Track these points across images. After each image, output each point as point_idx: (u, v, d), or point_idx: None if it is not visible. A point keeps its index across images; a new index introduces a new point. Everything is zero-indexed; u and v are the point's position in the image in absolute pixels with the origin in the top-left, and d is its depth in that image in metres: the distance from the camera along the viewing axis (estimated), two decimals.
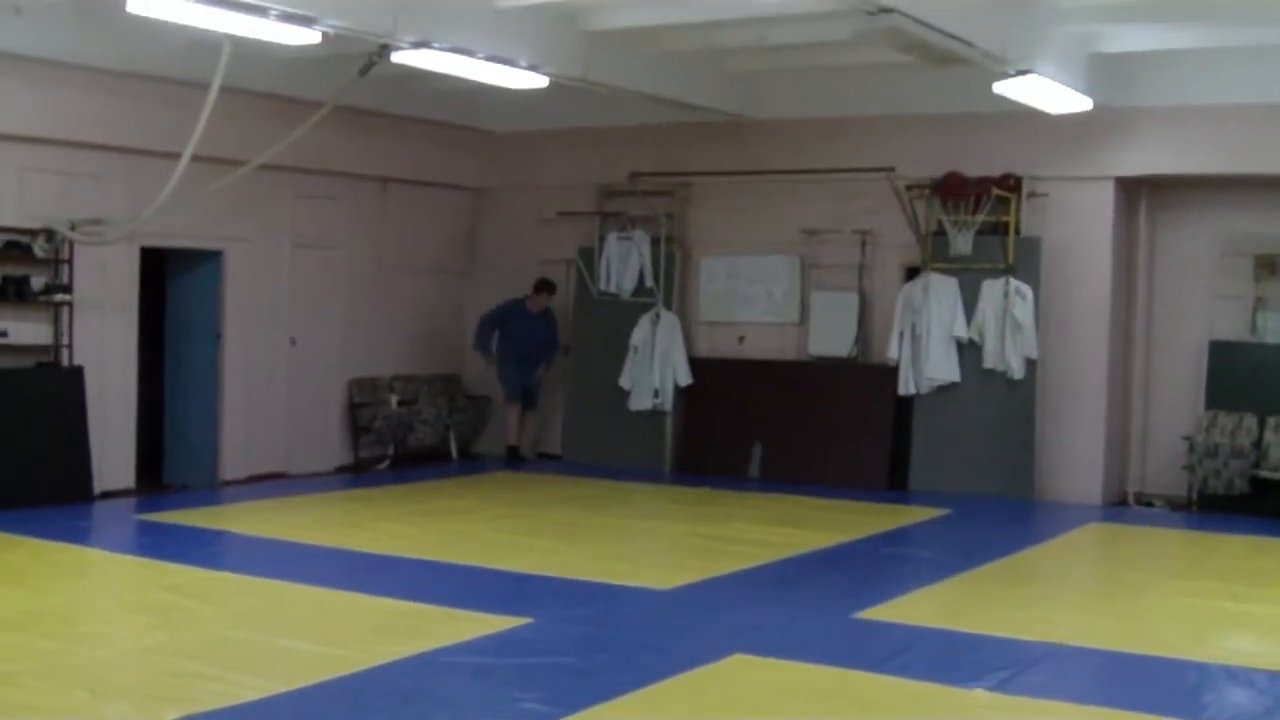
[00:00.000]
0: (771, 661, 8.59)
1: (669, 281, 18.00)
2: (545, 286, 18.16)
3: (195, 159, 12.54)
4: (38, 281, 13.96)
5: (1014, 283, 15.99)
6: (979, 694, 8.02)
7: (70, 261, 14.17)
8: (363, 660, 8.35)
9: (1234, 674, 8.59)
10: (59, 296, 14.08)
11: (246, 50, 12.08)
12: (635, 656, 8.69)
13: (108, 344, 14.65)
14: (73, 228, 13.93)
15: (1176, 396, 16.35)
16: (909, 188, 16.50)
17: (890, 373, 16.63)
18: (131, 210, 13.84)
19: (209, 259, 15.78)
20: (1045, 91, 14.07)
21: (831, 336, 17.18)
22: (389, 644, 8.76)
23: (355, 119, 16.17)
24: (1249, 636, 9.95)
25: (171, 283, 15.96)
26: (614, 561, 11.81)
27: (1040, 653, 9.05)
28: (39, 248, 13.88)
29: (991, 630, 9.64)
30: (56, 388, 14.13)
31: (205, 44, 12.03)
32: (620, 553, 12.46)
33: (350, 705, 7.53)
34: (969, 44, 12.18)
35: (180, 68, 13.68)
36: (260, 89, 14.81)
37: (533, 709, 7.41)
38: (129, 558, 12.00)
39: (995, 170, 16.13)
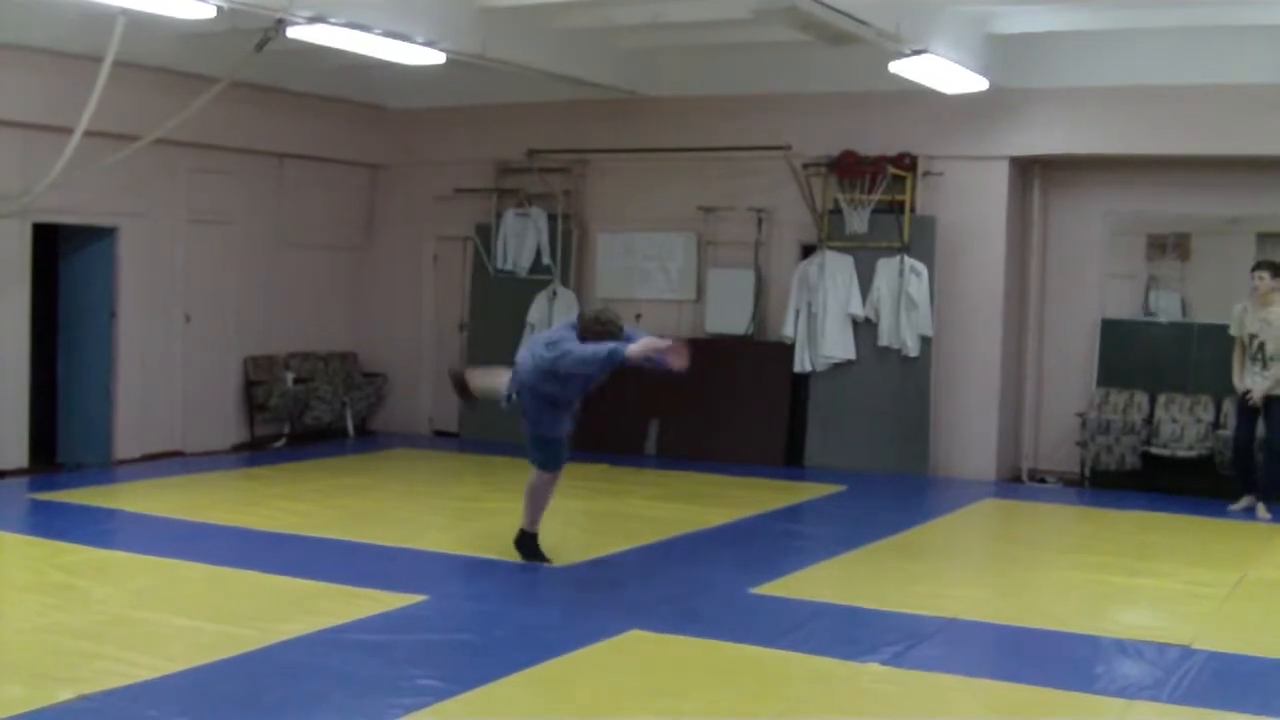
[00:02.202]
0: (668, 637, 8.62)
1: (566, 259, 18.00)
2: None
3: (89, 134, 12.43)
4: None
5: (909, 261, 16.11)
6: (873, 668, 8.10)
7: None
8: (259, 638, 8.32)
9: (1125, 647, 8.72)
10: None
11: (141, 24, 12.00)
12: (532, 633, 8.70)
13: None
14: None
15: (1069, 374, 16.53)
16: (805, 166, 16.57)
17: (786, 350, 16.71)
18: (23, 185, 13.68)
19: (102, 236, 15.60)
20: (941, 71, 14.18)
21: (728, 314, 17.23)
22: (285, 622, 8.73)
23: (251, 94, 16.05)
24: (1140, 610, 10.11)
25: (64, 260, 15.76)
26: (510, 538, 11.80)
27: (934, 627, 9.14)
28: None
29: (886, 605, 9.73)
30: None
31: (100, 17, 11.91)
32: (516, 529, 12.46)
33: (246, 683, 7.50)
34: (865, 23, 12.28)
35: (74, 41, 13.51)
36: (155, 63, 14.68)
37: (430, 685, 7.41)
38: (22, 537, 11.85)
39: (891, 149, 16.22)
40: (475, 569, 10.71)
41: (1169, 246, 16.26)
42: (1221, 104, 14.81)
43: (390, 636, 8.55)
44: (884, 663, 8.21)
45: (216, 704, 7.07)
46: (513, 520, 11.02)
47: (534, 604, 9.70)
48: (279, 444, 17.51)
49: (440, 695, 7.25)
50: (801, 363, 16.61)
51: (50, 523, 12.48)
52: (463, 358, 18.54)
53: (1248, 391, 13.90)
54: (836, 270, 16.43)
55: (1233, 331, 14.19)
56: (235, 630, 8.49)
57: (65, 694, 7.07)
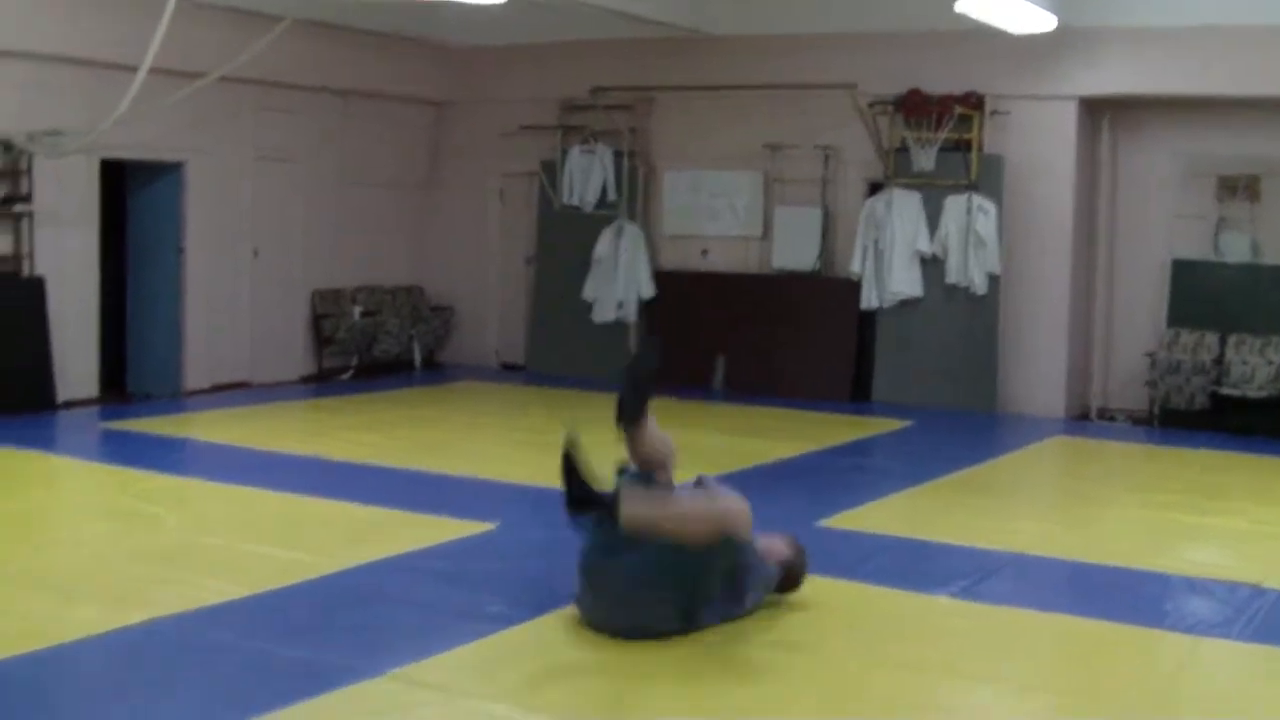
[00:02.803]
0: None
1: (632, 195, 17.96)
2: None
3: (156, 71, 12.45)
4: None
5: (977, 199, 16.01)
6: (944, 601, 8.10)
7: (30, 172, 14.05)
8: (327, 565, 8.37)
9: (1194, 584, 8.67)
10: (19, 207, 13.98)
11: None
12: None
13: (69, 255, 14.55)
14: (30, 139, 13.81)
15: (1139, 314, 16.42)
16: (871, 104, 16.47)
17: (853, 287, 16.64)
18: (91, 122, 13.74)
19: (170, 171, 15.66)
20: (1008, 10, 14.03)
21: (795, 250, 17.18)
22: (354, 549, 8.78)
23: (317, 32, 16.06)
24: (1209, 548, 10.03)
25: (132, 195, 15.85)
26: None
27: (1002, 561, 9.11)
28: None
29: (954, 539, 9.70)
30: (19, 297, 14.07)
31: None
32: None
33: (314, 608, 7.55)
34: None
35: None
36: (221, 2, 14.68)
37: (498, 611, 7.45)
38: (94, 464, 11.99)
39: (958, 88, 16.09)
40: (543, 498, 10.66)
41: (1239, 188, 16.10)
42: None
43: (459, 564, 8.59)
44: (954, 595, 8.20)
45: (286, 628, 7.11)
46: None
47: None
48: (346, 376, 17.58)
49: (508, 621, 7.28)
50: (869, 299, 16.55)
51: (121, 451, 12.58)
52: (530, 292, 18.56)
53: None
54: (904, 207, 16.34)
55: None
56: (304, 557, 8.55)
57: (137, 616, 7.13)
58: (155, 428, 13.46)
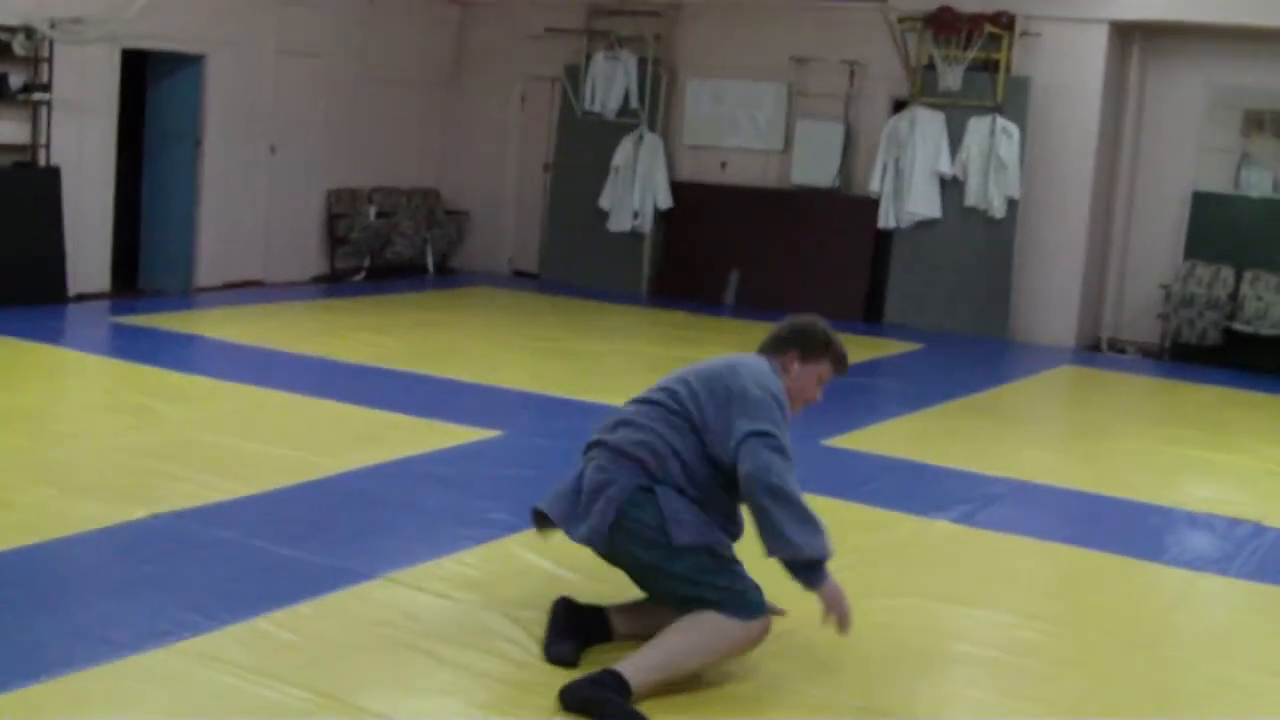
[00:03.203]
0: None
1: (654, 103, 17.87)
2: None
3: None
4: (16, 80, 13.79)
5: (1001, 121, 15.92)
6: (942, 524, 8.12)
7: (50, 61, 13.98)
8: (332, 466, 8.40)
9: (1196, 519, 8.71)
10: (38, 95, 13.91)
11: None
12: None
13: (86, 146, 14.48)
14: (53, 26, 13.75)
15: (1156, 245, 16.36)
16: (901, 20, 16.35)
17: (871, 205, 16.59)
18: (113, 10, 13.66)
19: (190, 64, 15.58)
20: None
21: (815, 166, 17.11)
22: (359, 451, 8.81)
23: None
24: (1213, 484, 10.06)
25: (152, 87, 15.77)
26: (587, 377, 11.83)
27: (1005, 488, 9.14)
28: (19, 45, 13.66)
29: (958, 464, 9.73)
30: (33, 187, 14.01)
31: None
32: (593, 370, 12.48)
33: (319, 509, 7.58)
34: None
35: None
36: None
37: (500, 518, 7.46)
38: (102, 359, 12.02)
39: (989, 7, 15.96)
40: (550, 407, 10.75)
41: (1266, 122, 16.00)
42: None
43: (463, 469, 8.62)
44: (954, 520, 8.23)
45: (289, 528, 7.13)
46: (591, 363, 10.97)
47: None
48: (358, 278, 17.56)
49: (510, 529, 7.29)
50: (886, 218, 16.50)
51: (130, 346, 12.61)
52: (547, 199, 18.51)
53: None
54: (927, 127, 16.26)
55: None
56: (309, 457, 8.58)
57: (140, 512, 7.16)
58: (165, 324, 13.46)
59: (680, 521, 5.41)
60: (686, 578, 5.41)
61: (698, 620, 5.38)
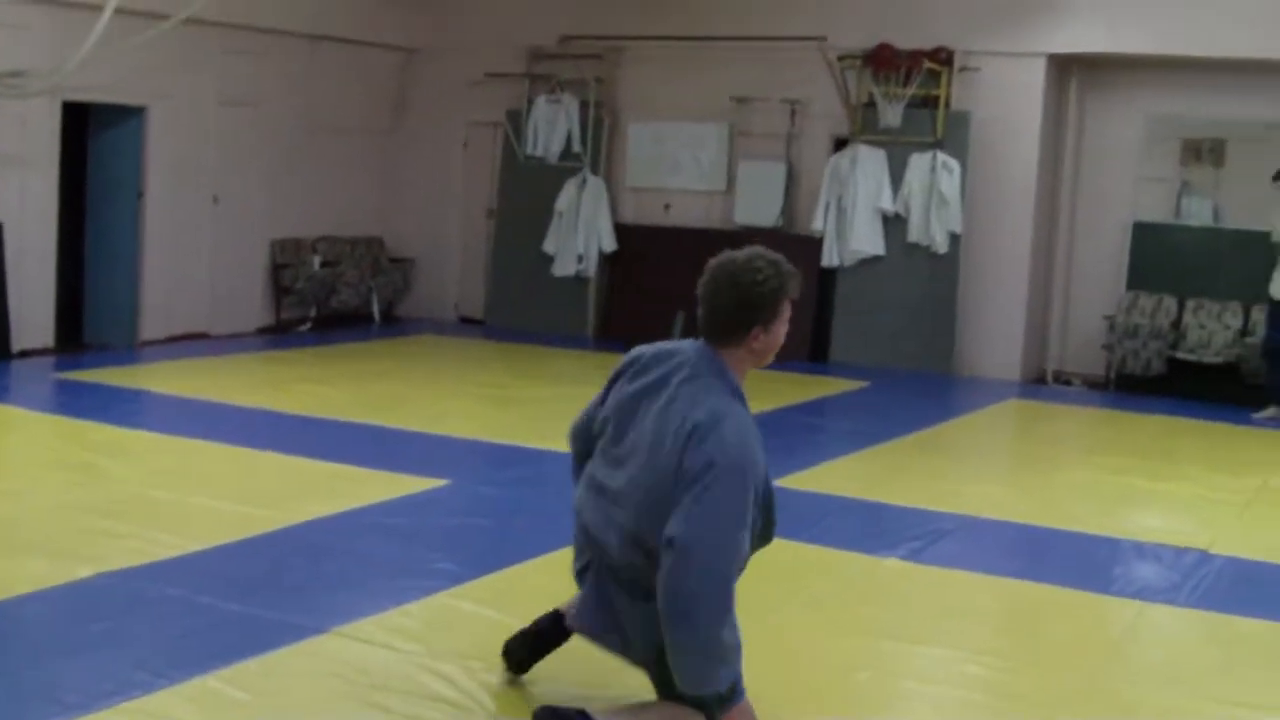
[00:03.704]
0: None
1: (597, 146, 17.91)
2: None
3: (120, 11, 12.36)
4: None
5: (941, 157, 16.00)
6: (892, 562, 8.13)
7: None
8: (280, 519, 8.35)
9: (1143, 549, 8.75)
10: None
11: None
12: (553, 520, 8.65)
13: (28, 200, 14.40)
14: None
15: (1098, 276, 16.46)
16: (840, 58, 16.44)
17: (815, 244, 16.62)
18: (54, 63, 13.62)
19: (132, 115, 15.53)
20: None
21: (758, 206, 17.15)
22: (307, 503, 8.77)
23: None
24: (1159, 513, 10.11)
25: (94, 139, 15.72)
26: (534, 424, 11.81)
27: (953, 524, 9.16)
28: None
29: (906, 501, 9.75)
30: None
31: None
32: (540, 415, 12.44)
33: (266, 563, 7.54)
34: None
35: None
36: None
37: (448, 569, 7.45)
38: (47, 415, 11.91)
39: (928, 43, 16.08)
40: (497, 455, 10.73)
41: (1203, 151, 16.14)
42: (1264, 6, 14.62)
43: (411, 520, 8.59)
44: (903, 558, 8.24)
45: (236, 583, 7.10)
46: (538, 409, 10.96)
47: (555, 491, 9.70)
48: (304, 328, 17.50)
49: (458, 579, 7.28)
50: (830, 257, 16.55)
51: (75, 402, 12.51)
52: (491, 245, 18.50)
53: None
54: (868, 164, 16.33)
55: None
56: (257, 511, 8.53)
57: (85, 570, 7.11)
58: (110, 378, 13.37)
59: None
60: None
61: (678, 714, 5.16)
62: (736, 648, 4.99)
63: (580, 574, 5.42)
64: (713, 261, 5.30)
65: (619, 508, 5.16)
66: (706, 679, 4.97)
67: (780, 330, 5.28)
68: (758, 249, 5.31)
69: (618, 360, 5.48)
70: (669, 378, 5.23)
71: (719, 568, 4.88)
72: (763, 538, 5.33)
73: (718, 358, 5.24)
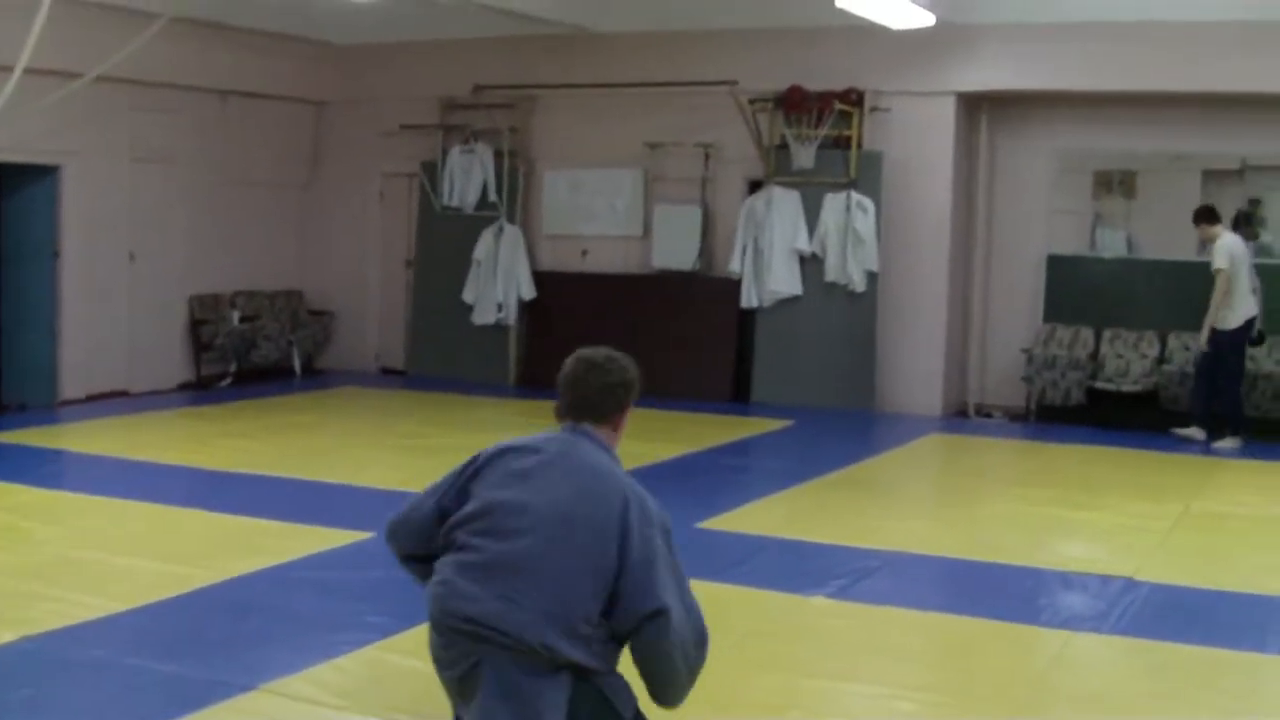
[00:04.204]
0: None
1: (513, 195, 17.91)
2: None
3: (30, 71, 12.27)
4: None
5: (856, 196, 16.10)
6: (819, 601, 8.15)
7: None
8: (204, 576, 8.31)
9: (1068, 579, 8.82)
10: None
11: None
12: None
13: None
14: None
15: (1015, 310, 16.59)
16: (752, 101, 16.51)
17: (733, 286, 16.69)
18: None
19: (44, 175, 15.44)
20: (887, 6, 14.14)
21: (675, 249, 17.20)
22: (231, 560, 8.72)
23: (193, 30, 15.89)
24: (1083, 542, 10.17)
25: (6, 199, 15.61)
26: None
27: (879, 561, 9.19)
28: None
29: (832, 539, 9.79)
30: None
31: None
32: None
33: (191, 621, 7.50)
34: None
35: None
36: None
37: (376, 621, 7.43)
38: None
39: (838, 85, 16.18)
40: None
41: (1114, 183, 16.33)
42: (1168, 40, 14.81)
43: (337, 573, 8.56)
44: (830, 596, 8.27)
45: (163, 643, 7.06)
46: (461, 457, 10.92)
47: None
48: (225, 383, 17.40)
49: (387, 631, 7.26)
50: (748, 298, 16.60)
51: None
52: (410, 295, 18.47)
53: None
54: (783, 206, 16.41)
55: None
56: (180, 569, 8.47)
57: (8, 635, 7.04)
58: (29, 439, 13.26)
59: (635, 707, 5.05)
60: None
61: None
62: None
63: (462, 681, 4.97)
64: (572, 357, 5.44)
65: (528, 579, 4.89)
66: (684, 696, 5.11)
67: (626, 421, 5.45)
68: (609, 350, 5.48)
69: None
70: (558, 458, 5.18)
71: (696, 620, 5.07)
72: None
73: (595, 434, 5.29)
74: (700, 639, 5.05)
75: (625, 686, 5.01)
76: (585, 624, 4.86)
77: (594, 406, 5.32)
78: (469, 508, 5.11)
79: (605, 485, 5.07)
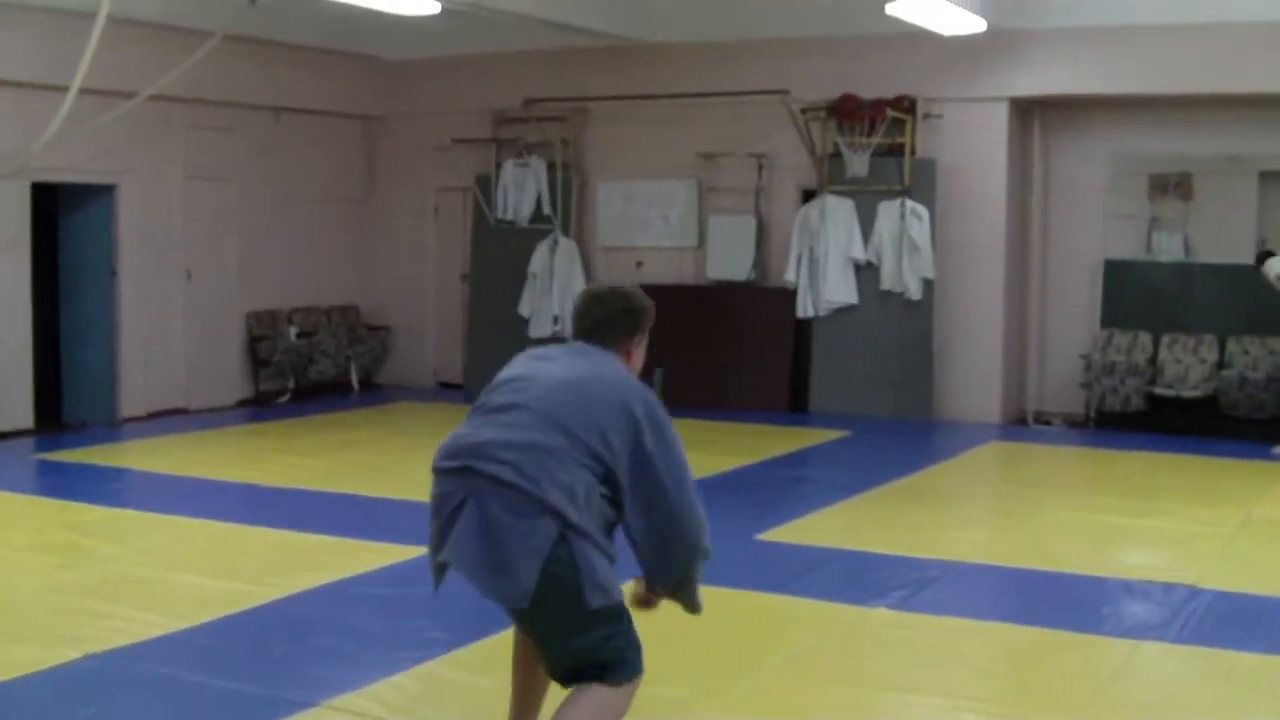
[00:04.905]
0: None
1: (566, 208, 17.93)
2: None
3: (85, 91, 12.34)
4: None
5: (910, 204, 16.06)
6: (881, 612, 8.12)
7: None
8: (265, 594, 8.33)
9: (1131, 587, 8.74)
10: None
11: None
12: None
13: (1, 283, 14.43)
14: None
15: (1073, 315, 16.51)
16: (804, 110, 16.50)
17: (789, 296, 16.67)
18: (20, 145, 13.63)
19: (101, 194, 15.56)
20: (939, 12, 14.09)
21: (729, 260, 17.19)
22: (291, 576, 8.74)
23: (246, 48, 15.97)
24: (1146, 550, 10.11)
25: (64, 218, 15.73)
26: None
27: (940, 570, 9.15)
28: None
29: (892, 549, 9.75)
30: None
31: None
32: None
33: (253, 638, 7.52)
34: None
35: None
36: (149, 19, 14.59)
37: (436, 636, 7.44)
38: (27, 497, 11.87)
39: (890, 92, 16.15)
40: None
41: (1170, 186, 16.20)
42: (1221, 41, 14.71)
43: (396, 589, 8.56)
44: (891, 607, 8.23)
45: (224, 660, 7.08)
46: None
47: None
48: (283, 399, 17.49)
49: (448, 646, 7.27)
50: (804, 308, 16.58)
51: (56, 482, 12.51)
52: (466, 309, 18.51)
53: None
54: (837, 214, 16.39)
55: None
56: (241, 586, 8.51)
57: (72, 653, 7.08)
58: (90, 458, 13.36)
59: (596, 582, 4.86)
60: (588, 645, 4.94)
61: (581, 710, 4.97)
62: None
63: (445, 524, 5.02)
64: (579, 293, 5.55)
65: (529, 416, 5.00)
66: (690, 567, 5.17)
67: (641, 355, 5.44)
68: (617, 284, 5.59)
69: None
70: (567, 352, 5.34)
71: (689, 492, 5.11)
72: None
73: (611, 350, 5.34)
74: (697, 535, 5.11)
75: (606, 568, 4.93)
76: (577, 477, 4.89)
77: (602, 332, 5.34)
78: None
79: (616, 374, 5.19)
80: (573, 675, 5.00)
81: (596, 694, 4.96)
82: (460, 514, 4.93)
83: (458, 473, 4.96)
